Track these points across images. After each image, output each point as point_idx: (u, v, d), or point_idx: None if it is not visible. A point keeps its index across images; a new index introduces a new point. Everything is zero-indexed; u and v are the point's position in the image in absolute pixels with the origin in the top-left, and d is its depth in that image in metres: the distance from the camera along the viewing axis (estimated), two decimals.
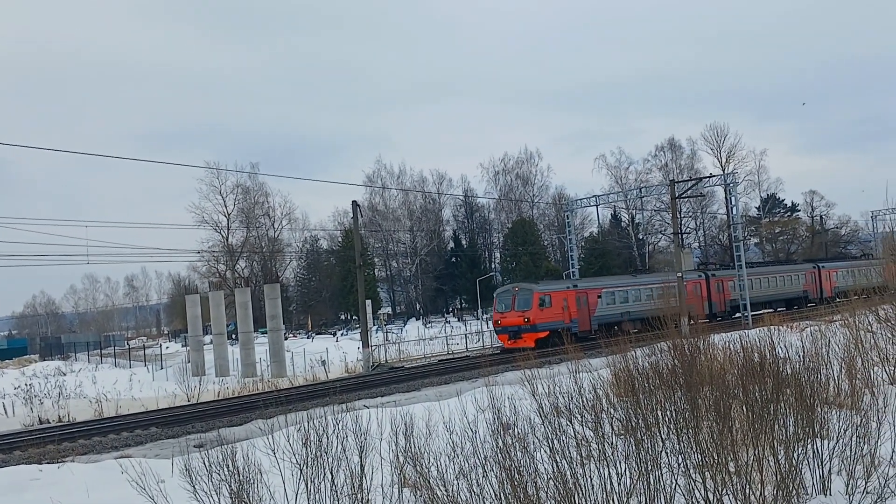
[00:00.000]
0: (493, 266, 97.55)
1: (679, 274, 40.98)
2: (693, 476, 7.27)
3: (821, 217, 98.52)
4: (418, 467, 7.44)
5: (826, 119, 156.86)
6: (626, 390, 10.70)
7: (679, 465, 7.35)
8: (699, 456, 7.40)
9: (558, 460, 7.01)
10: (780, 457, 7.63)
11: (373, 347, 40.54)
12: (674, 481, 7.16)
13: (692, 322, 33.80)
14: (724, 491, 7.14)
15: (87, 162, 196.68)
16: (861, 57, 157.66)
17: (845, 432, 8.29)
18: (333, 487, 7.34)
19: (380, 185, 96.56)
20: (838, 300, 44.07)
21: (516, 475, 6.86)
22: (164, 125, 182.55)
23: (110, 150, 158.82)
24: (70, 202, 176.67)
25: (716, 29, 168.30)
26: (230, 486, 7.14)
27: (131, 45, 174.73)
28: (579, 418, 8.30)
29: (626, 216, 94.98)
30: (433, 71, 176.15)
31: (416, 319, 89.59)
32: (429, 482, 7.22)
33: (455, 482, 7.21)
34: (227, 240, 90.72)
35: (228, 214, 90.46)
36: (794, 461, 7.70)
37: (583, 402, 8.71)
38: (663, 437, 7.79)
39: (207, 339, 52.71)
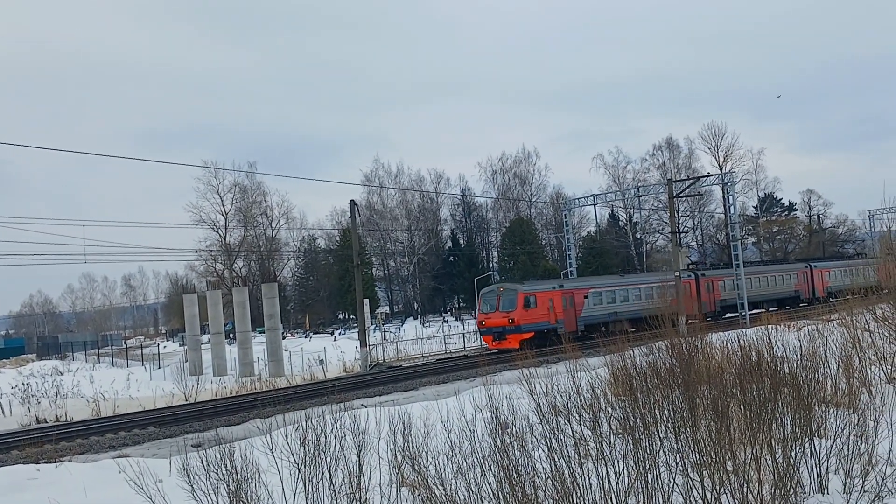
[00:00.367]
0: (490, 265, 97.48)
1: (676, 273, 41.00)
2: (691, 475, 7.27)
3: (818, 216, 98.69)
4: (416, 466, 7.44)
5: (825, 119, 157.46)
6: (624, 389, 10.72)
7: (677, 463, 7.35)
8: (697, 455, 7.40)
9: (556, 459, 7.00)
10: (777, 456, 7.63)
11: (371, 347, 40.49)
12: (672, 480, 7.17)
13: (687, 322, 33.83)
14: (722, 490, 7.14)
15: (85, 161, 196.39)
16: (860, 57, 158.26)
17: (843, 431, 8.30)
18: (331, 486, 7.33)
19: (377, 185, 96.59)
20: (831, 300, 44.10)
21: (514, 474, 6.86)
22: (163, 125, 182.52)
23: (109, 149, 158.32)
24: (68, 202, 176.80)
25: (715, 29, 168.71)
26: (228, 485, 7.14)
27: (131, 45, 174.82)
28: (577, 417, 8.31)
29: (624, 215, 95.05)
30: (433, 71, 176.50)
31: (414, 319, 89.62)
32: (427, 481, 7.22)
33: (453, 481, 7.21)
34: (224, 239, 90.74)
35: (226, 214, 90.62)
36: (791, 460, 7.71)
37: (581, 401, 8.73)
38: (661, 436, 7.80)
39: (205, 338, 52.60)
